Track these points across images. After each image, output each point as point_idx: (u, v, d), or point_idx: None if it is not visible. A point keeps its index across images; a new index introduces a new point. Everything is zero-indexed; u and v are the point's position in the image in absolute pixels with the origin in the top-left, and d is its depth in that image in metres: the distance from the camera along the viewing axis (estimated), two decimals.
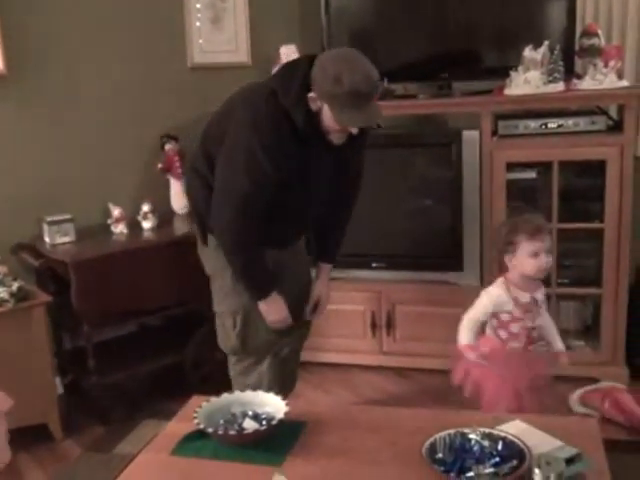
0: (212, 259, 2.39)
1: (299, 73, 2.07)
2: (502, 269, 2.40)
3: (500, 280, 2.37)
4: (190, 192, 2.44)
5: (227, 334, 2.44)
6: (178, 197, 3.38)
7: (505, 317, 2.34)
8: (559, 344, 2.45)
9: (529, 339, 2.37)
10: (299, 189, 2.22)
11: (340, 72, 1.96)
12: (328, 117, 2.05)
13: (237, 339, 2.41)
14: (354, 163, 2.39)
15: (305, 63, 2.08)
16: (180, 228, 3.28)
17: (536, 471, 1.34)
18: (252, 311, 2.36)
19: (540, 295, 2.38)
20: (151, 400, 3.10)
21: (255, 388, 2.27)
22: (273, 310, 2.34)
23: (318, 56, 2.07)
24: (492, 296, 2.35)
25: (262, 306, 2.34)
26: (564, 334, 3.12)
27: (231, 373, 2.54)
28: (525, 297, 2.33)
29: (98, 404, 3.01)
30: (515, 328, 2.34)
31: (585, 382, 2.94)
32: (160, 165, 3.36)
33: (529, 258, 2.28)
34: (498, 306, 2.33)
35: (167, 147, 3.36)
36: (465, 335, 2.36)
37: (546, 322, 2.44)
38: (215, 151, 2.21)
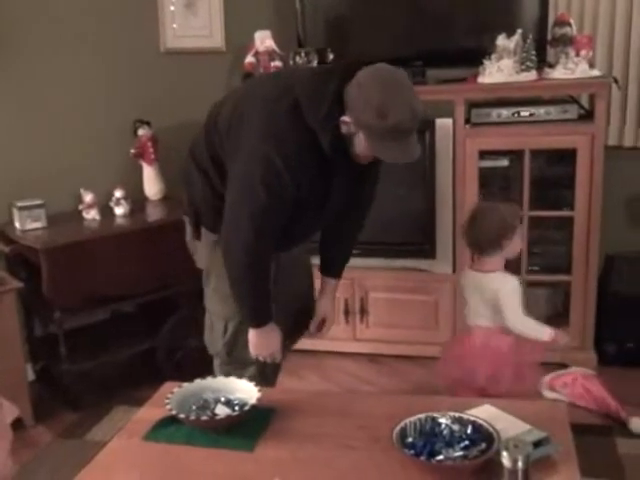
0: (208, 257, 2.21)
1: (331, 88, 1.85)
2: (474, 258, 2.45)
3: (500, 268, 2.42)
4: (188, 184, 2.22)
5: (214, 337, 2.26)
6: (151, 183, 3.36)
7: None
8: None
9: None
10: (316, 206, 2.04)
11: (385, 105, 1.76)
12: (362, 145, 1.87)
13: (224, 347, 2.23)
14: (373, 174, 2.18)
15: (339, 77, 1.86)
16: (153, 214, 3.27)
17: (504, 454, 1.36)
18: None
19: None
20: (124, 387, 3.09)
21: None
22: (264, 343, 2.13)
23: (357, 73, 1.83)
24: (516, 283, 2.38)
25: (253, 336, 2.12)
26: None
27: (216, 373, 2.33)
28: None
29: (69, 391, 2.99)
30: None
31: (554, 367, 2.98)
32: (133, 150, 3.33)
33: (519, 239, 2.41)
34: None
35: (140, 132, 3.33)
36: (536, 326, 2.33)
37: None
38: (223, 154, 2.02)
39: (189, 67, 3.49)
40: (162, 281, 3.10)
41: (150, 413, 1.85)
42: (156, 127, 3.36)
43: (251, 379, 2.14)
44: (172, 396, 1.80)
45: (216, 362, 2.33)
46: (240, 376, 2.15)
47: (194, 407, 1.80)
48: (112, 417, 2.89)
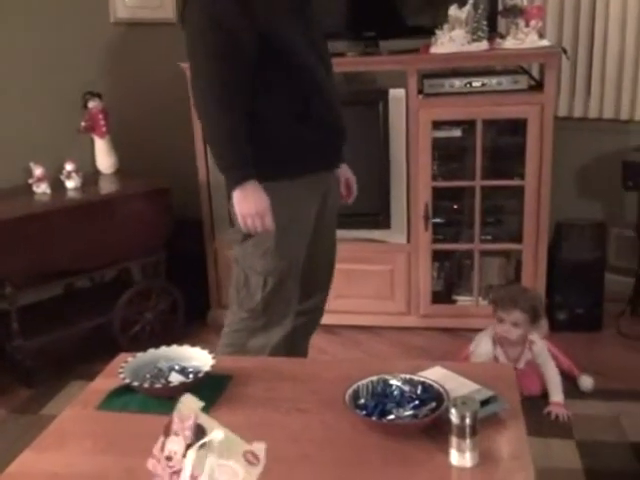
0: None
1: None
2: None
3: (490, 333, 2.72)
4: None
5: (251, 293, 2.21)
6: (103, 156, 3.32)
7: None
8: (556, 396, 2.60)
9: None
10: (291, 10, 2.04)
11: None
12: None
13: (261, 302, 2.20)
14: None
15: None
16: (106, 188, 3.23)
17: (452, 411, 1.40)
18: (287, 278, 2.19)
19: (520, 364, 2.65)
20: (79, 362, 3.07)
21: (257, 353, 2.20)
22: (251, 203, 2.01)
23: None
24: (480, 352, 2.70)
25: (236, 197, 2.02)
26: (488, 290, 3.25)
27: (228, 329, 2.33)
28: (505, 361, 2.64)
29: (23, 367, 2.96)
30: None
31: None
32: (83, 123, 3.27)
33: (497, 322, 2.65)
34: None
35: (91, 105, 3.27)
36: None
37: (549, 374, 2.64)
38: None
39: (140, 38, 3.44)
40: (116, 255, 3.08)
41: (104, 383, 1.84)
42: (107, 99, 3.31)
43: (276, 349, 2.22)
44: (126, 366, 1.80)
45: (238, 316, 2.28)
46: (264, 345, 2.22)
47: (148, 376, 1.80)
48: (68, 392, 2.87)
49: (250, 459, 1.15)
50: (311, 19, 2.15)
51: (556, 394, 2.59)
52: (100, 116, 3.27)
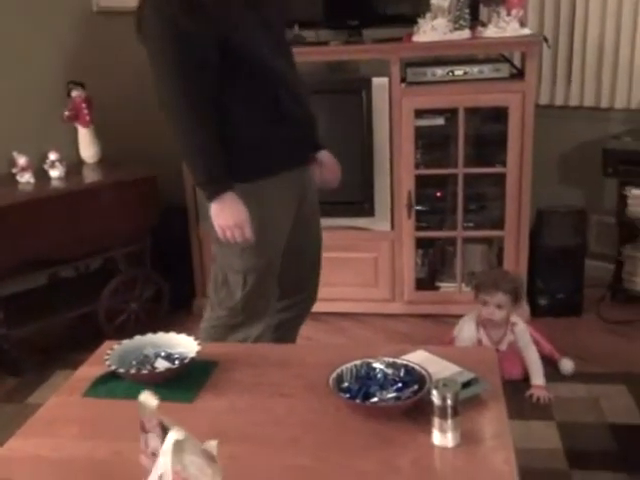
0: None
1: None
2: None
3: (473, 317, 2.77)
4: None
5: (230, 292, 2.20)
6: (87, 145, 3.31)
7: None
8: (537, 379, 2.66)
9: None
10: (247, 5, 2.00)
11: None
12: None
13: (241, 300, 2.19)
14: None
15: None
16: (90, 177, 3.22)
17: (434, 392, 1.43)
18: (267, 276, 2.19)
19: (503, 345, 2.71)
20: (65, 351, 3.08)
21: None
22: (228, 213, 2.00)
23: None
24: (464, 336, 2.76)
25: (214, 207, 2.01)
26: (471, 276, 3.29)
27: (206, 324, 2.32)
28: (488, 343, 2.71)
29: (9, 356, 2.97)
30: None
31: None
32: (67, 113, 3.26)
33: (480, 305, 2.72)
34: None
35: (74, 94, 3.26)
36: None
37: (530, 357, 2.69)
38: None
39: (123, 27, 3.39)
40: (101, 244, 3.08)
41: (90, 371, 1.85)
42: (90, 88, 3.30)
43: (258, 341, 2.21)
44: (112, 352, 1.81)
45: (216, 313, 2.28)
46: (245, 339, 2.22)
47: (134, 362, 1.81)
48: (53, 381, 2.88)
49: (209, 457, 1.17)
50: (270, 11, 2.11)
51: (537, 377, 2.64)
52: (83, 105, 3.27)
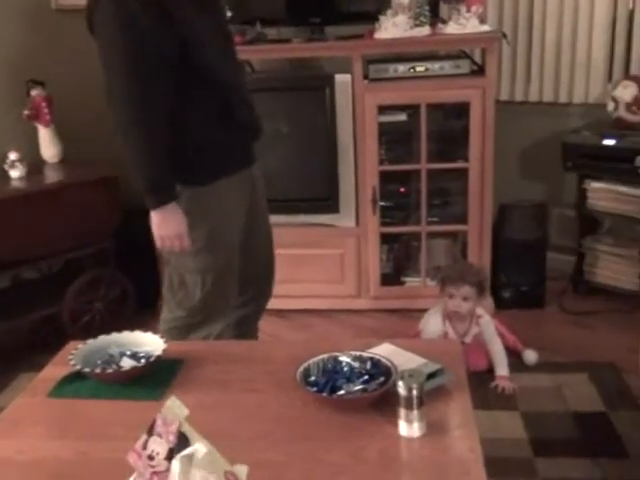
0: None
1: None
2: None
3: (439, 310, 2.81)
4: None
5: (189, 293, 2.19)
6: (48, 145, 3.27)
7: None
8: (502, 370, 2.70)
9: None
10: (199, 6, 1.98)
11: None
12: None
13: (201, 301, 2.18)
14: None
15: None
16: (51, 177, 3.18)
17: (400, 383, 1.44)
18: (225, 272, 2.18)
19: (468, 337, 2.76)
20: (28, 354, 3.03)
21: None
22: (169, 223, 2.00)
23: None
24: (430, 329, 2.80)
25: (156, 216, 2.00)
26: (435, 271, 3.32)
27: (165, 326, 2.30)
28: (454, 336, 2.73)
29: None
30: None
31: None
32: (27, 112, 3.21)
33: (447, 298, 2.75)
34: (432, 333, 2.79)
35: (33, 93, 3.21)
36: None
37: (494, 348, 2.74)
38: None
39: (82, 25, 3.36)
40: (63, 244, 3.04)
41: (54, 371, 1.83)
42: (50, 87, 3.26)
43: (220, 338, 2.21)
44: (76, 352, 1.79)
45: (173, 314, 2.27)
46: (207, 336, 2.21)
47: (99, 362, 1.80)
48: (17, 384, 2.83)
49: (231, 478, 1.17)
50: (220, 15, 2.14)
51: (502, 368, 2.68)
52: (43, 104, 3.22)
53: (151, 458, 1.20)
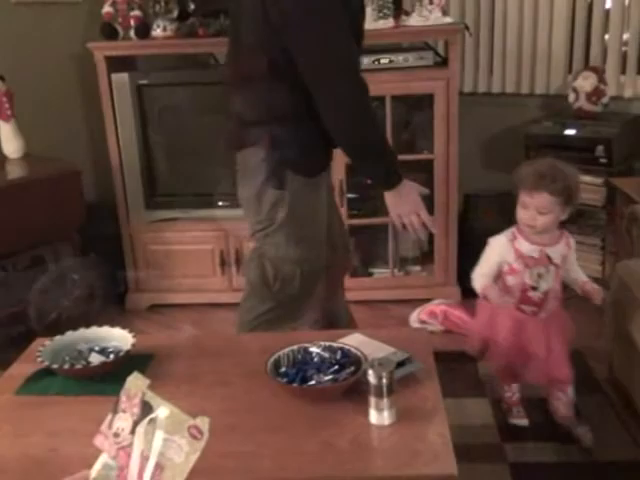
0: (287, 203, 2.09)
1: None
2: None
3: (510, 229, 2.25)
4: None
5: (286, 283, 2.17)
6: (9, 141, 3.20)
7: (505, 268, 2.22)
8: (582, 277, 2.26)
9: (524, 297, 2.21)
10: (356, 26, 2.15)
11: None
12: None
13: (299, 290, 2.17)
14: None
15: None
16: (14, 172, 3.13)
17: (369, 372, 1.46)
18: (317, 262, 2.17)
19: (555, 252, 2.18)
20: None
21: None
22: (407, 199, 2.07)
23: None
24: (493, 245, 2.26)
25: (393, 197, 2.07)
26: (403, 262, 3.35)
27: (254, 316, 2.26)
28: (532, 250, 2.18)
29: None
30: (511, 281, 2.21)
31: (422, 303, 3.15)
32: None
33: (520, 207, 2.21)
34: (501, 255, 2.22)
35: None
36: (478, 283, 2.23)
37: (571, 271, 2.25)
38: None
39: (43, 19, 3.33)
40: (27, 241, 3.00)
41: (21, 369, 1.81)
42: (11, 82, 3.20)
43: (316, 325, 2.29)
44: (44, 349, 1.78)
45: (266, 316, 2.24)
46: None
47: (67, 358, 1.79)
48: None
49: (194, 433, 1.17)
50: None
51: (582, 276, 2.25)
52: (4, 99, 3.15)
53: (117, 435, 1.20)
